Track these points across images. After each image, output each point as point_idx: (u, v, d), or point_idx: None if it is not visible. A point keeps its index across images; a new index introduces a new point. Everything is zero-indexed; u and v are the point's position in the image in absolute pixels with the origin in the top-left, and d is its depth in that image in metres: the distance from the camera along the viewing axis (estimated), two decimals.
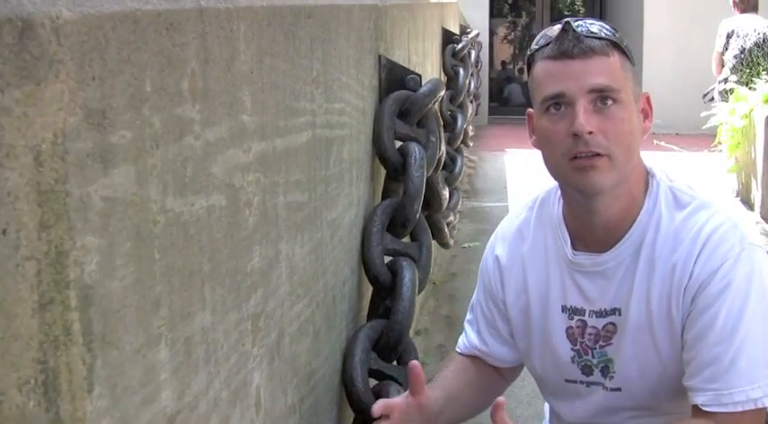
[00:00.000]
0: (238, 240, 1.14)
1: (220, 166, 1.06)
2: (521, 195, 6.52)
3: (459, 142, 4.96)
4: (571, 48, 1.40)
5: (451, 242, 3.72)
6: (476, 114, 9.51)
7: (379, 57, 2.43)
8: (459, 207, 4.47)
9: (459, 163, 4.72)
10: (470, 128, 7.08)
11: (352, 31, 1.98)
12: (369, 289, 2.12)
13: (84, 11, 0.72)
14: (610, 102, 1.39)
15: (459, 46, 5.34)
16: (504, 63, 17.94)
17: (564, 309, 1.58)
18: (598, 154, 1.39)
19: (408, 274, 2.02)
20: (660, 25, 11.41)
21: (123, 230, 0.80)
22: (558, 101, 1.40)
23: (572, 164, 1.41)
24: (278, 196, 1.33)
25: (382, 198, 2.32)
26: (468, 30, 7.65)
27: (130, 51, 0.81)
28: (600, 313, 1.53)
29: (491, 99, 14.67)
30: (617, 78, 1.41)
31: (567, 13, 18.29)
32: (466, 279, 4.47)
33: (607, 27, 1.46)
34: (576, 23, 1.43)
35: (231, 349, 1.12)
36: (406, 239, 2.27)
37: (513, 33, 18.42)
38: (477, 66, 8.68)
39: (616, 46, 1.43)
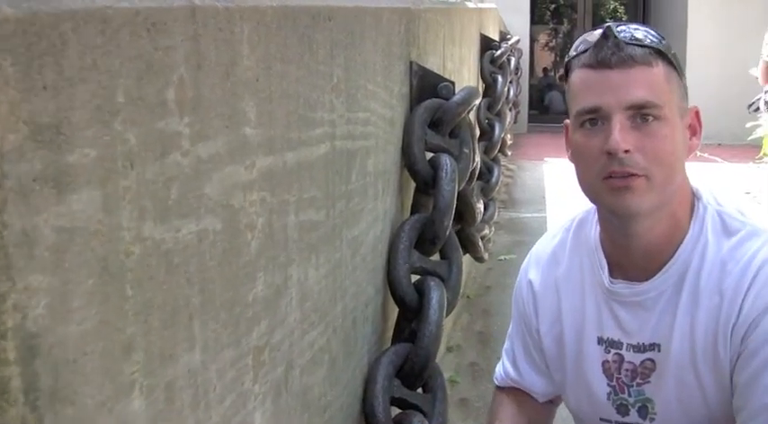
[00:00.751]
0: (237, 267, 1.02)
1: (215, 185, 0.94)
2: (559, 206, 6.36)
3: (496, 151, 4.82)
4: (609, 56, 1.26)
5: (486, 255, 3.57)
6: (514, 122, 9.34)
7: (411, 63, 2.31)
8: (495, 218, 4.33)
9: (495, 173, 4.58)
10: (509, 136, 6.93)
11: (380, 36, 1.86)
12: (395, 310, 2.00)
13: (33, 7, 0.61)
14: (651, 119, 1.25)
15: (498, 52, 5.20)
16: (545, 70, 17.75)
17: (600, 341, 1.44)
18: (634, 175, 1.25)
19: (436, 295, 1.89)
20: (704, 33, 11.17)
21: (84, 265, 0.68)
22: (594, 117, 1.27)
23: (606, 184, 1.28)
24: (288, 215, 1.21)
25: (411, 213, 2.20)
26: (508, 36, 7.50)
27: (97, 56, 0.69)
28: (638, 348, 1.39)
29: (531, 106, 14.49)
30: (660, 92, 1.27)
31: (608, 20, 18.01)
32: (501, 293, 4.32)
33: (653, 33, 1.32)
34: (618, 29, 1.30)
35: (226, 390, 1.00)
36: (436, 256, 2.14)
37: (554, 40, 18.22)
38: (516, 73, 8.52)
39: (662, 55, 1.29)
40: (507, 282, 4.48)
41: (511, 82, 6.56)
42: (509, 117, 6.63)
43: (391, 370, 1.78)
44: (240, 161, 1.01)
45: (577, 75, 1.32)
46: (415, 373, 1.81)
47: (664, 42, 1.31)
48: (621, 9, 18.79)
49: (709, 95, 10.12)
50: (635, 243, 1.35)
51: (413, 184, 2.20)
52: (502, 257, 5.07)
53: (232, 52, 0.98)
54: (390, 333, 2.00)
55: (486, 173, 4.53)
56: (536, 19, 16.09)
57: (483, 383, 3.18)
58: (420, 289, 1.93)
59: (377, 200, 1.86)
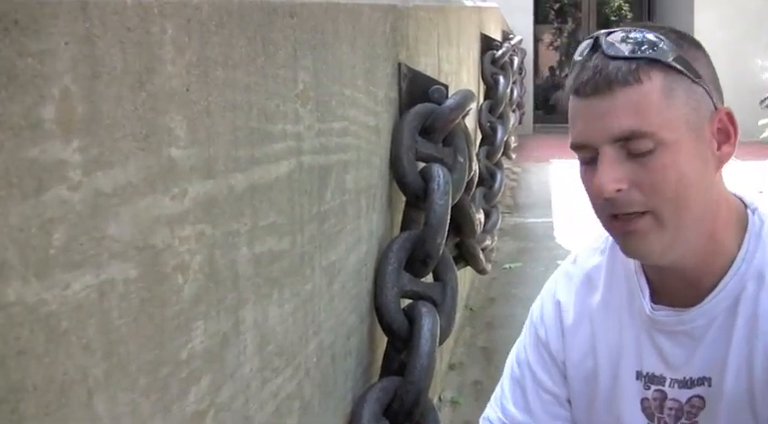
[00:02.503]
0: (163, 320, 0.83)
1: (125, 224, 0.75)
2: (567, 210, 6.17)
3: (499, 155, 4.63)
4: (585, 81, 1.08)
5: (489, 267, 3.38)
6: (519, 123, 9.14)
7: (399, 65, 2.12)
8: (498, 226, 4.13)
9: (498, 179, 4.39)
10: (513, 138, 6.73)
11: (359, 35, 1.67)
12: (384, 339, 1.81)
13: None
14: (644, 148, 1.07)
15: (500, 52, 5.01)
16: (551, 69, 17.56)
17: (639, 376, 1.25)
18: (637, 213, 1.07)
19: (428, 323, 1.70)
20: (711, 29, 10.97)
21: None
22: (584, 154, 1.10)
23: (611, 226, 1.11)
24: (237, 249, 1.02)
25: (402, 230, 2.01)
26: (511, 36, 7.31)
27: None
28: (684, 383, 1.20)
29: (536, 107, 14.32)
30: (651, 114, 1.07)
31: (613, 18, 17.87)
32: (506, 305, 4.13)
33: (651, 36, 1.10)
34: (608, 38, 1.10)
35: None
36: (429, 278, 1.95)
37: (558, 40, 18.00)
38: (520, 74, 8.33)
39: (657, 64, 1.09)
40: (513, 292, 4.29)
41: (514, 82, 6.37)
42: (513, 119, 6.43)
43: (377, 409, 1.59)
44: (164, 190, 0.83)
45: (569, 101, 1.16)
46: (404, 410, 1.62)
47: (663, 45, 1.09)
48: (626, 7, 18.55)
49: None
50: (669, 274, 1.17)
51: (404, 198, 2.02)
52: (507, 265, 4.85)
53: (148, 56, 0.79)
54: (379, 365, 1.81)
55: (488, 179, 4.34)
56: (540, 18, 15.87)
57: (487, 403, 2.99)
58: (410, 316, 1.74)
59: (359, 219, 1.68)
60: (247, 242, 1.05)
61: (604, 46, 1.10)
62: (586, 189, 1.14)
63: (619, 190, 1.06)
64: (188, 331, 0.88)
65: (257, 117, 1.08)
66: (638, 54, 1.08)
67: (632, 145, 1.07)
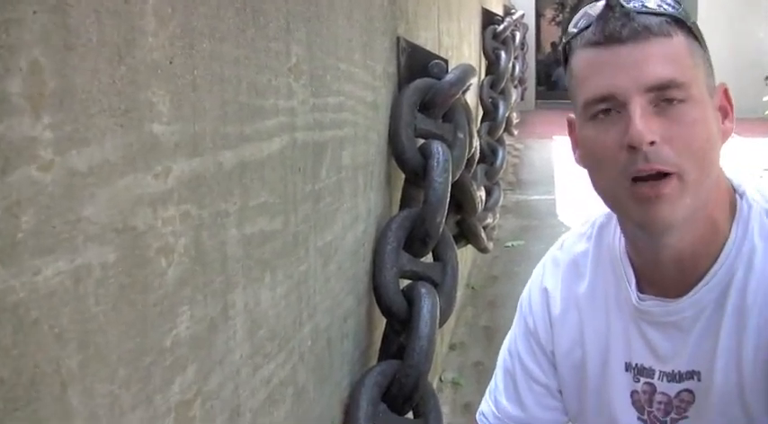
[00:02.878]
0: (145, 306, 0.79)
1: (102, 205, 0.70)
2: (569, 187, 6.11)
3: (501, 131, 4.57)
4: (619, 28, 1.01)
5: (491, 245, 3.33)
6: (521, 99, 9.07)
7: (398, 39, 2.07)
8: (500, 203, 4.08)
9: (500, 155, 4.33)
10: (515, 114, 6.66)
11: (356, 8, 1.62)
12: (382, 321, 1.77)
13: None
14: (676, 101, 1.01)
15: (501, 27, 4.94)
16: (553, 44, 17.45)
17: (628, 367, 1.20)
18: (665, 174, 1.00)
19: (427, 304, 1.66)
20: (714, 5, 10.86)
21: None
22: (607, 105, 1.02)
23: (631, 192, 1.02)
24: (226, 230, 0.97)
25: (401, 208, 1.96)
26: (513, 11, 7.22)
27: None
28: (673, 377, 1.15)
29: (538, 82, 14.24)
30: (684, 67, 1.02)
31: None
32: (508, 283, 4.08)
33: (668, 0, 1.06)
34: None
35: None
36: (428, 258, 1.91)
37: (560, 14, 17.87)
38: (522, 49, 8.24)
39: (681, 23, 1.04)
40: (515, 271, 4.24)
41: (516, 58, 6.29)
42: (515, 94, 6.36)
43: (376, 393, 1.55)
44: (146, 168, 0.78)
45: (581, 57, 1.07)
46: (403, 395, 1.59)
47: (681, 9, 1.06)
48: None
49: (721, 67, 9.85)
50: (666, 256, 1.10)
51: (403, 176, 1.97)
52: (509, 243, 4.80)
53: (127, 27, 0.74)
54: (378, 348, 1.77)
55: (489, 155, 4.28)
56: None
57: (488, 384, 2.95)
58: (409, 297, 1.70)
59: (356, 197, 1.63)
60: (237, 223, 1.00)
61: (628, 2, 1.04)
62: (598, 150, 1.05)
63: (652, 143, 0.99)
64: (173, 317, 0.84)
65: (247, 91, 1.03)
66: (664, 10, 1.04)
67: (668, 94, 1.00)
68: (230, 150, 0.98)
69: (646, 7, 1.04)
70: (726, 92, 1.12)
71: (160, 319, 0.82)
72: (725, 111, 1.11)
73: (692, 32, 1.06)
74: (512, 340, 1.36)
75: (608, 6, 1.04)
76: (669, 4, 1.06)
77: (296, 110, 1.23)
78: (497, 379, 1.36)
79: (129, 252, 0.75)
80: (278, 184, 1.15)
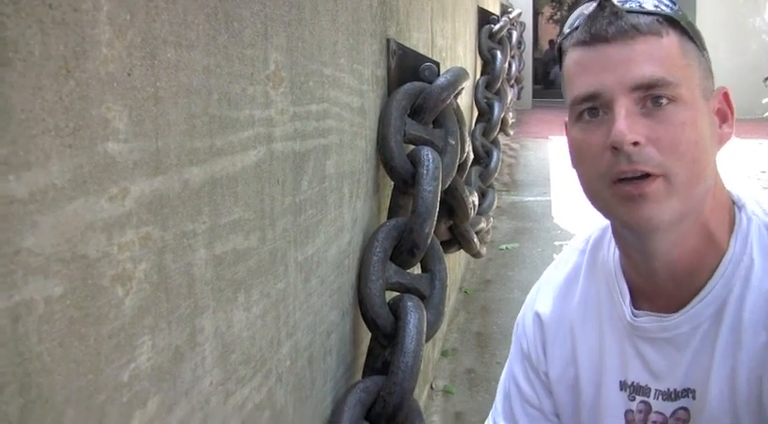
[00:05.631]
0: (98, 339, 0.72)
1: (46, 234, 0.64)
2: (566, 188, 6.06)
3: (495, 133, 4.51)
4: (605, 27, 0.99)
5: (484, 250, 3.27)
6: (518, 98, 9.01)
7: (388, 41, 2.01)
8: (494, 207, 4.02)
9: (495, 157, 4.27)
10: (511, 114, 6.61)
11: (342, 10, 1.56)
12: (368, 335, 1.71)
13: None
14: (664, 101, 0.97)
15: (497, 26, 4.88)
16: (551, 42, 17.40)
17: (623, 386, 1.16)
18: (649, 175, 0.97)
19: (414, 318, 1.60)
20: (713, 6, 10.81)
21: None
22: (593, 105, 0.99)
23: (614, 191, 1.00)
24: (194, 251, 0.91)
25: (389, 217, 1.90)
26: (510, 9, 7.17)
27: None
28: (668, 395, 1.11)
29: (535, 81, 14.18)
30: (673, 66, 0.99)
31: None
32: (502, 288, 4.02)
33: None
34: None
35: None
36: (417, 269, 1.85)
37: (558, 12, 17.83)
38: (519, 48, 8.19)
39: (674, 23, 1.01)
40: (509, 274, 4.18)
41: (513, 57, 6.24)
42: (511, 94, 6.31)
43: (359, 411, 1.49)
44: (99, 191, 0.72)
45: (570, 57, 1.06)
46: (387, 413, 1.53)
47: (677, 9, 1.03)
48: None
49: (720, 68, 9.82)
50: (657, 265, 1.07)
51: (392, 183, 1.91)
52: (503, 246, 4.73)
53: (76, 38, 0.68)
54: (363, 363, 1.71)
55: (484, 158, 4.23)
56: None
57: (481, 393, 2.89)
58: (396, 310, 1.64)
59: (341, 208, 1.57)
60: (206, 243, 0.94)
61: (620, 2, 1.01)
62: (584, 150, 1.03)
63: (635, 144, 0.96)
64: (131, 349, 0.78)
65: (218, 102, 0.97)
66: (654, 9, 1.01)
67: (654, 92, 0.97)
68: (198, 166, 0.92)
69: (640, 6, 1.02)
70: (726, 95, 1.09)
71: (116, 352, 0.76)
72: (723, 115, 1.08)
73: (687, 32, 1.03)
74: (510, 363, 1.35)
75: (599, 6, 1.02)
76: (665, 4, 1.03)
77: (274, 119, 1.17)
78: (497, 401, 1.37)
79: (80, 283, 0.69)
80: (253, 199, 1.09)
